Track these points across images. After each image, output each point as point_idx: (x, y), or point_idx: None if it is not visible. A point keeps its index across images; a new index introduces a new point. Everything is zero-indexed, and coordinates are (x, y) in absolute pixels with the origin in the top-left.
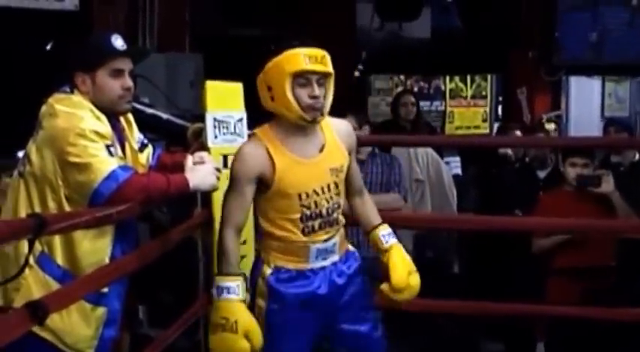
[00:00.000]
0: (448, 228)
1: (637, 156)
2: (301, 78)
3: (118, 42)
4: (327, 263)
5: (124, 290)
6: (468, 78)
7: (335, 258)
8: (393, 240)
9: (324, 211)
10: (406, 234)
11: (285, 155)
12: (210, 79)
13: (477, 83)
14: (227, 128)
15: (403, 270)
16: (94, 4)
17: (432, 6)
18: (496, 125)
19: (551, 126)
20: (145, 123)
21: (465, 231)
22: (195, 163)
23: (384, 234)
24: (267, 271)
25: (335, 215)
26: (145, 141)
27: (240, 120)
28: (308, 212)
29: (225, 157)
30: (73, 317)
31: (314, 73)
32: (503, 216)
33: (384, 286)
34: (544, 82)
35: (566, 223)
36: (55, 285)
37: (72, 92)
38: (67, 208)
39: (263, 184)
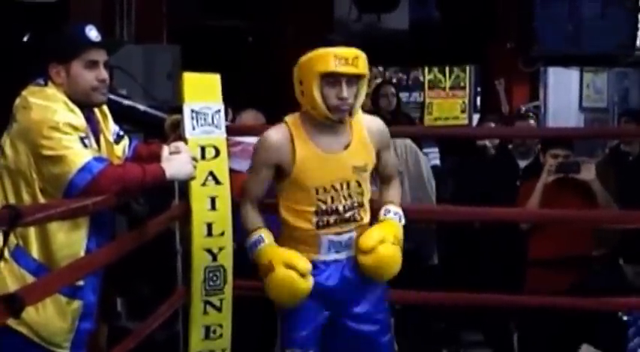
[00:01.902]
0: (427, 219)
1: None
2: (330, 77)
3: (93, 33)
4: (341, 256)
5: (99, 283)
6: (447, 69)
7: (351, 253)
8: (391, 216)
9: (340, 208)
10: None
11: (308, 146)
12: (188, 71)
13: (456, 74)
14: (205, 119)
15: (374, 235)
16: None
17: None
18: (475, 116)
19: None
20: (122, 115)
21: (444, 222)
22: (171, 153)
23: (389, 208)
24: None
25: (352, 213)
26: (121, 133)
27: (218, 111)
28: (324, 206)
29: (202, 148)
30: (48, 310)
31: (343, 74)
32: (481, 206)
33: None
34: (522, 73)
35: (547, 213)
36: (30, 278)
37: (46, 84)
38: (42, 201)
39: (282, 172)
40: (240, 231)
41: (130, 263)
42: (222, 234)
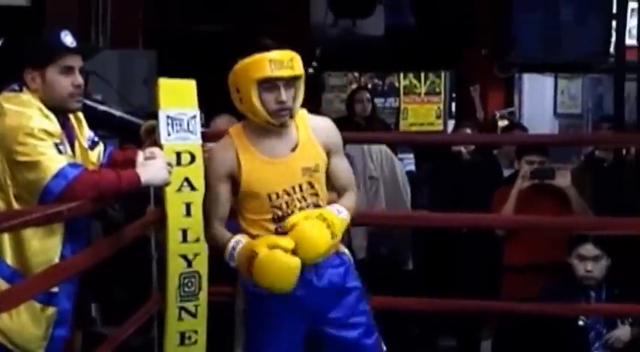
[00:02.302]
0: (402, 224)
1: (623, 152)
2: (267, 83)
3: (68, 39)
4: (311, 263)
5: (74, 289)
6: (422, 75)
7: None
8: (330, 208)
9: (297, 212)
10: (360, 231)
11: (252, 155)
12: (164, 76)
13: (431, 80)
14: (180, 125)
15: (300, 214)
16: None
17: (385, 3)
18: (450, 122)
19: (503, 124)
20: (98, 121)
21: (419, 228)
22: (146, 158)
23: (333, 205)
24: None
25: None
26: (96, 139)
27: (194, 117)
28: (279, 212)
29: (178, 154)
30: (22, 317)
31: (280, 78)
32: (456, 212)
33: None
34: (497, 79)
35: (521, 219)
36: (4, 285)
37: (21, 90)
38: (16, 207)
39: (235, 184)
40: None
41: (105, 269)
42: (198, 240)
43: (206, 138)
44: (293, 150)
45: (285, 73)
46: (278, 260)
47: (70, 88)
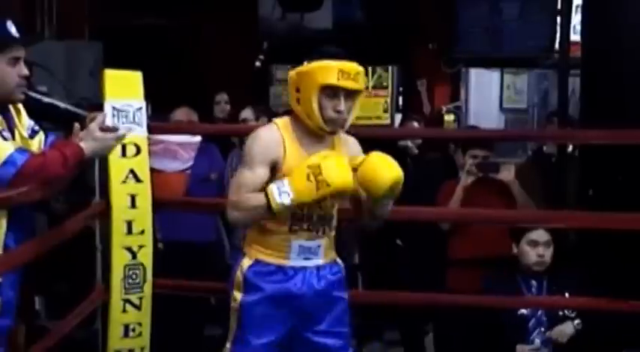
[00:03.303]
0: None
1: (570, 148)
2: (330, 90)
3: (13, 29)
4: (309, 264)
5: (18, 279)
6: (370, 69)
7: (319, 261)
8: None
9: (314, 217)
10: None
11: (297, 150)
12: (110, 68)
13: (378, 74)
14: (126, 117)
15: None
16: None
17: None
18: (397, 116)
19: (450, 118)
20: (42, 113)
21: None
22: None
23: None
24: (246, 263)
25: (323, 223)
26: (36, 128)
27: (140, 109)
28: (300, 212)
29: (123, 146)
30: None
31: (344, 89)
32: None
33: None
34: (444, 74)
35: (466, 213)
36: None
37: None
38: None
39: (271, 172)
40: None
41: (49, 261)
42: (143, 232)
43: (153, 130)
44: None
45: (350, 84)
46: (337, 157)
47: (16, 78)
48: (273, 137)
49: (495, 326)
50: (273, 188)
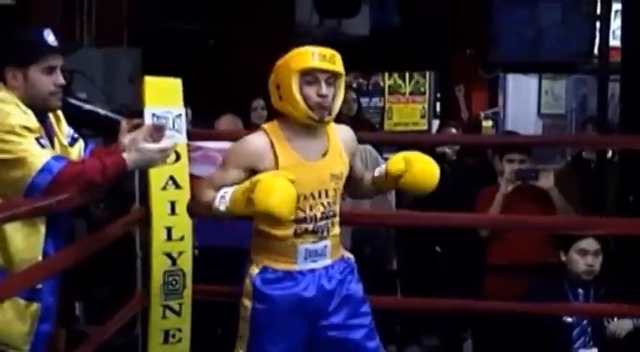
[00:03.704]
0: (386, 224)
1: (609, 154)
2: (309, 76)
3: (50, 37)
4: (317, 265)
5: (58, 285)
6: (407, 74)
7: (326, 261)
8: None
9: (318, 216)
10: (344, 231)
11: (290, 153)
12: (149, 74)
13: (416, 80)
14: (166, 124)
15: (397, 158)
16: None
17: (370, 3)
18: (435, 122)
19: (488, 124)
20: (82, 120)
21: (403, 227)
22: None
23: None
24: (255, 271)
25: (327, 222)
26: (76, 136)
27: (179, 116)
28: (302, 214)
29: None
30: (7, 314)
31: (322, 71)
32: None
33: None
34: (481, 79)
35: (504, 219)
36: None
37: None
38: None
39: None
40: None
41: (89, 267)
42: (182, 238)
43: (192, 136)
44: (324, 155)
45: (328, 66)
46: (282, 182)
47: (51, 87)
48: (259, 144)
49: (535, 333)
50: (221, 192)
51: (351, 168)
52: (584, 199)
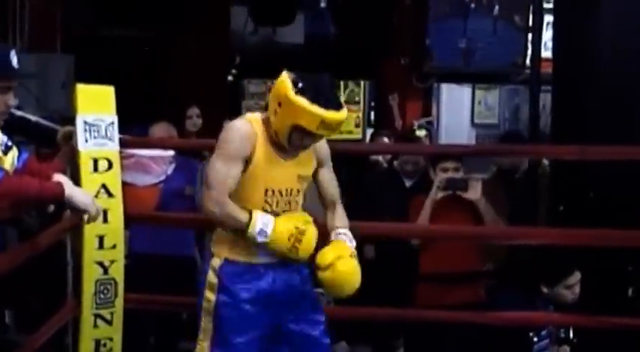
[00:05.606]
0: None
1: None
2: (305, 131)
3: (15, 60)
4: (273, 260)
5: None
6: (342, 83)
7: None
8: (342, 237)
9: (280, 213)
10: None
11: (266, 149)
12: (82, 81)
13: (350, 89)
14: (98, 132)
15: (330, 253)
16: None
17: (305, 12)
18: (369, 130)
19: (422, 133)
20: (14, 126)
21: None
22: None
23: (339, 231)
24: (217, 263)
25: None
26: (9, 144)
27: (112, 123)
28: (269, 209)
29: (95, 161)
30: None
31: (319, 136)
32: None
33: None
34: (416, 89)
35: (435, 229)
36: None
37: None
38: None
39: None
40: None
41: (19, 275)
42: (114, 246)
43: (124, 144)
44: (294, 156)
45: (326, 133)
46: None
47: (2, 106)
48: (248, 132)
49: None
50: (258, 221)
51: (318, 176)
52: (515, 209)
